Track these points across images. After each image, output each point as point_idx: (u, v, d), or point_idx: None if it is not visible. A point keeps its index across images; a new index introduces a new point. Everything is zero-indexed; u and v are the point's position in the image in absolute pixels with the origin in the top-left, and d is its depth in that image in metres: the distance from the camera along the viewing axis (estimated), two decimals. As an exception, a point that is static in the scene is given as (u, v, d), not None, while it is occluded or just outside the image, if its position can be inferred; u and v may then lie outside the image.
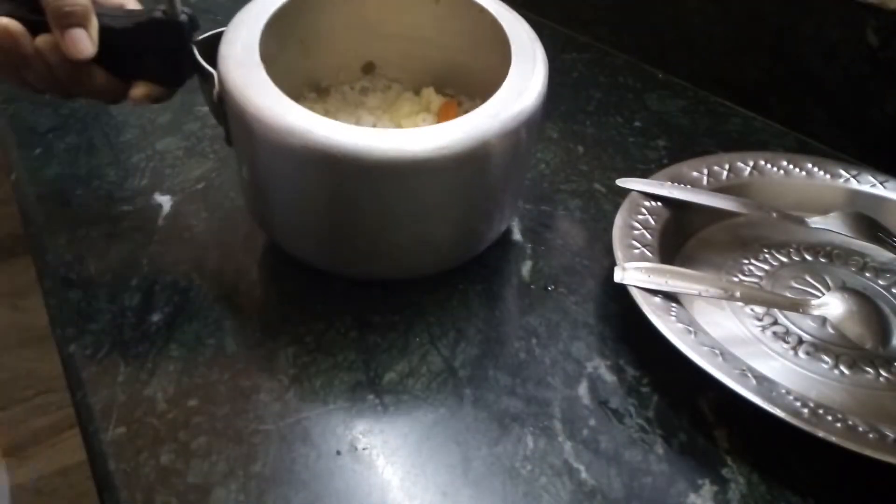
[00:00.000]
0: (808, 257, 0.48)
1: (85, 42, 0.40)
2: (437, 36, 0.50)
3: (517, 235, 0.50)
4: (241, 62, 0.40)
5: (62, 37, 0.39)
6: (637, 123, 0.62)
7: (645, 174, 0.52)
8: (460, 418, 0.38)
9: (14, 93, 0.66)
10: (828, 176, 0.51)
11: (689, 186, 0.49)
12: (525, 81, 0.40)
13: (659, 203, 0.47)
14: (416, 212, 0.40)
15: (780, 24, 0.60)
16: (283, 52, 0.42)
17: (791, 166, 0.51)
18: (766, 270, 0.47)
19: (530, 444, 0.36)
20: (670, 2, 0.67)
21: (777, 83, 0.61)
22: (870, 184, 0.50)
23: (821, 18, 0.57)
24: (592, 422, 0.38)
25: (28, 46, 0.40)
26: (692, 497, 0.34)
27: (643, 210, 0.46)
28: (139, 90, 0.43)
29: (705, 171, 0.51)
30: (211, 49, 0.41)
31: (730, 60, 0.64)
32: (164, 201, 0.52)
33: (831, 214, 0.49)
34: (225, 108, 0.40)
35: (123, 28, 0.41)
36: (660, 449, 0.36)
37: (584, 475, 0.35)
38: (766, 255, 0.48)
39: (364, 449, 0.36)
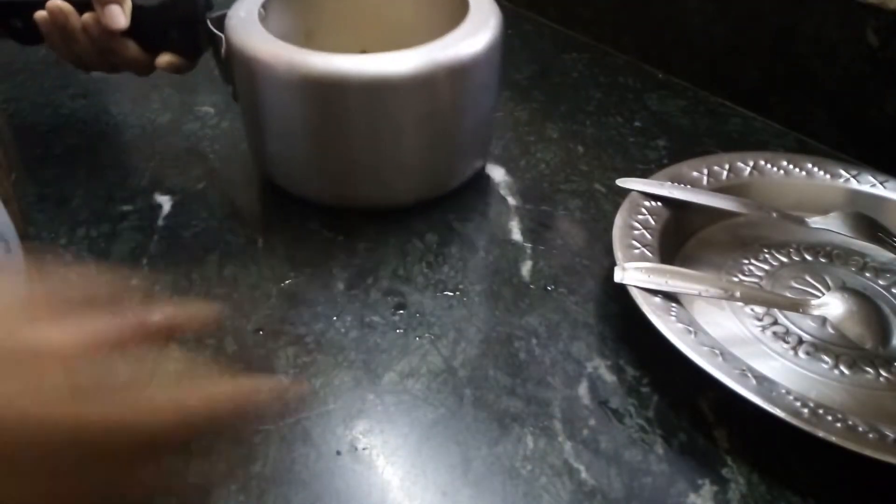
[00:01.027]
0: (808, 257, 0.48)
1: (119, 16, 0.49)
2: (421, 22, 0.54)
3: (517, 235, 0.50)
4: (243, 22, 0.48)
5: (102, 11, 0.49)
6: (637, 123, 0.62)
7: (645, 174, 0.52)
8: (460, 418, 0.38)
9: (14, 93, 0.66)
10: (828, 176, 0.51)
11: (689, 186, 0.49)
12: (476, 29, 0.47)
13: (659, 203, 0.47)
14: (384, 131, 0.47)
15: (780, 24, 0.59)
16: (287, 41, 0.48)
17: (791, 166, 0.51)
18: (766, 270, 0.47)
19: (530, 444, 0.36)
20: (670, 2, 0.67)
21: (777, 83, 0.61)
22: (870, 184, 0.50)
23: (821, 18, 0.57)
24: (592, 422, 0.38)
25: (76, 22, 0.50)
26: (692, 497, 0.34)
27: (643, 210, 0.46)
28: (164, 58, 0.51)
29: (705, 171, 0.51)
30: (221, 25, 0.49)
31: (730, 60, 0.64)
32: (164, 201, 0.52)
33: (831, 214, 0.49)
34: (230, 63, 0.49)
35: (150, 6, 0.50)
36: (660, 449, 0.36)
37: (584, 475, 0.35)
38: (766, 255, 0.48)
39: (364, 449, 0.36)
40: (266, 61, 0.45)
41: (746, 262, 0.47)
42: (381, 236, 0.49)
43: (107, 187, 0.53)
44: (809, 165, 0.51)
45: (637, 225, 0.45)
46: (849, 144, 0.58)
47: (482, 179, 0.55)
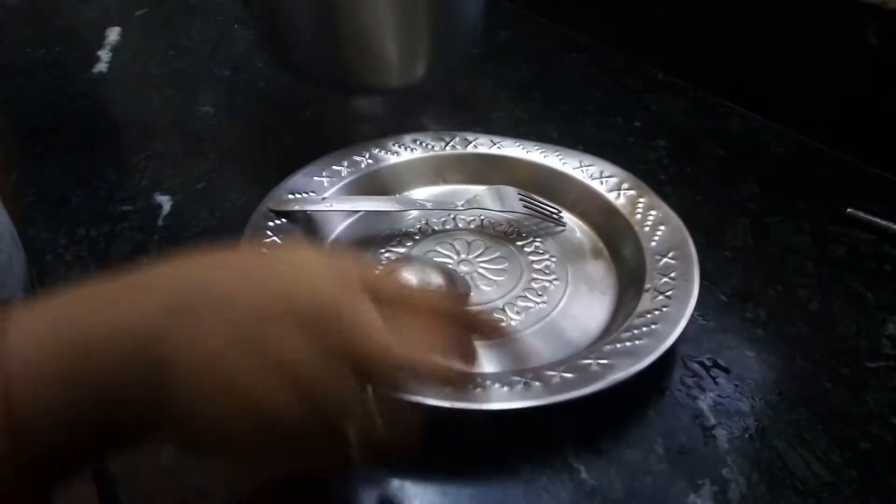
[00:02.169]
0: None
1: None
2: None
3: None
4: None
5: None
6: (637, 123, 0.62)
7: (645, 174, 0.52)
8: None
9: (14, 92, 0.66)
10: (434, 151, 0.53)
11: (316, 193, 0.48)
12: None
13: (286, 219, 0.46)
14: (375, 21, 0.53)
15: (780, 24, 0.60)
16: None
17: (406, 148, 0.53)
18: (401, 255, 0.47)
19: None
20: (670, 1, 0.67)
21: (777, 83, 0.61)
22: (468, 144, 0.53)
23: (821, 18, 0.57)
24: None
25: None
26: (692, 497, 0.34)
27: (269, 233, 0.45)
28: None
29: (326, 174, 0.50)
30: None
31: (730, 60, 0.64)
32: (164, 201, 0.52)
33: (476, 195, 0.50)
34: None
35: None
36: (660, 449, 0.36)
37: (584, 475, 0.35)
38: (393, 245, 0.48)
39: (364, 449, 0.36)
40: None
41: (382, 252, 0.47)
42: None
43: (107, 187, 0.54)
44: (411, 142, 0.53)
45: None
46: (849, 144, 0.58)
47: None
